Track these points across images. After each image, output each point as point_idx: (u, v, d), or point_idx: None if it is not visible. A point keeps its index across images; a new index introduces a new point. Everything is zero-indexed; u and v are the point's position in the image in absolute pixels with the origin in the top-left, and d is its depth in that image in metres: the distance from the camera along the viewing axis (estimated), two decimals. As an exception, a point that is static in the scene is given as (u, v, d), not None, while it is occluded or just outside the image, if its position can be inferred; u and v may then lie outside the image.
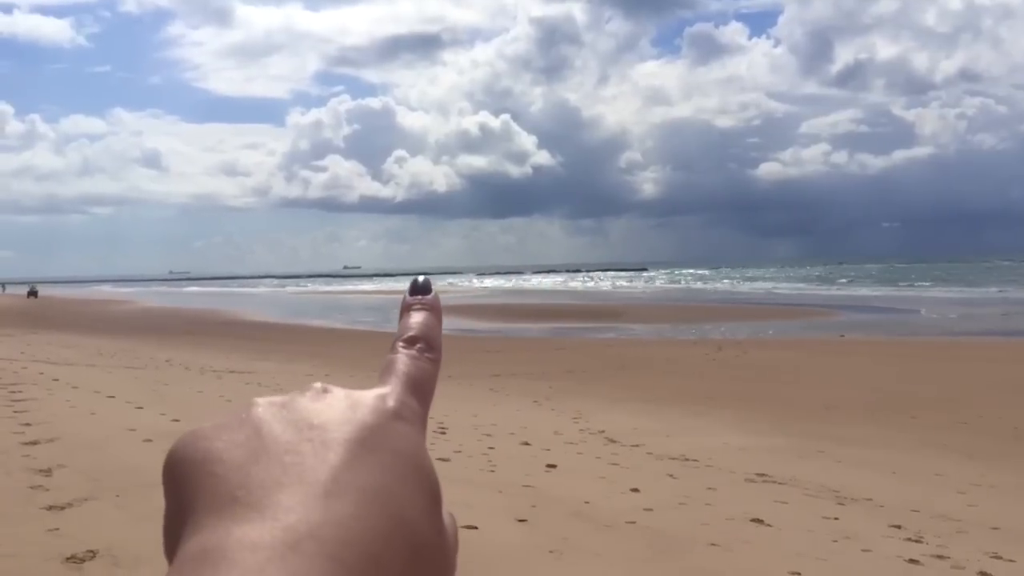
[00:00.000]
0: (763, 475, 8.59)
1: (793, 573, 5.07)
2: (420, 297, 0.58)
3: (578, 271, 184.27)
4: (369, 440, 0.44)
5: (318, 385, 0.48)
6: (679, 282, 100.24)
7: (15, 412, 9.04)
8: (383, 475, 0.42)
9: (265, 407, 0.45)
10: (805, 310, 44.00)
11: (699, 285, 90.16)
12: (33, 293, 78.06)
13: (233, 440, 0.44)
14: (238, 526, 0.38)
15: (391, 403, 0.47)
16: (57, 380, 12.85)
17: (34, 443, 7.23)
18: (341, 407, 0.45)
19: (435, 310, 0.57)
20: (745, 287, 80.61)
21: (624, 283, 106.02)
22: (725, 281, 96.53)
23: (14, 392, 10.80)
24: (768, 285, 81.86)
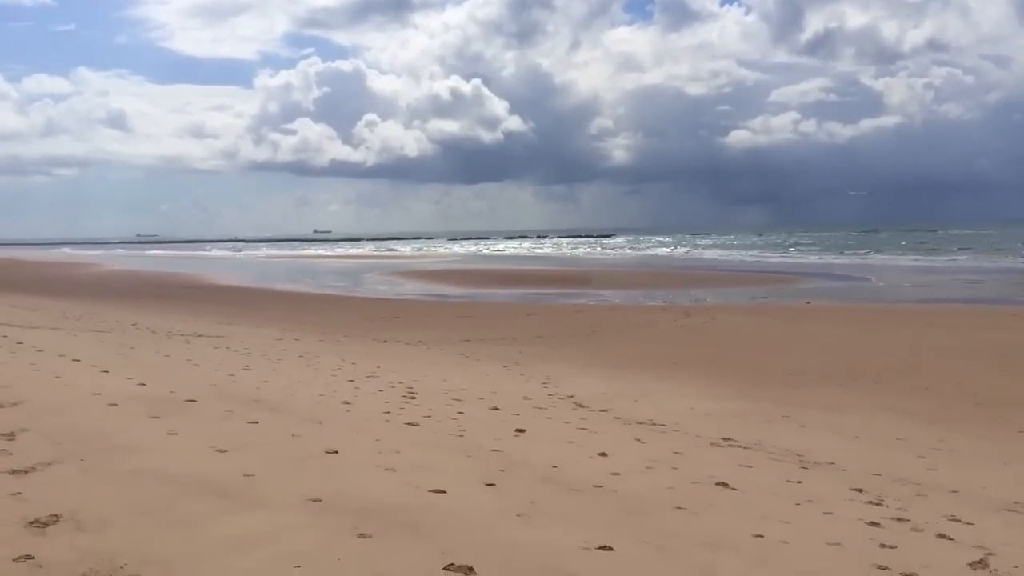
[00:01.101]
0: (728, 439, 8.70)
1: (757, 535, 5.14)
2: None
3: (547, 236, 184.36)
4: None
5: None
6: (649, 248, 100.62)
7: (-23, 376, 8.91)
8: None
9: None
10: (772, 277, 44.42)
11: (668, 251, 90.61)
12: None
13: None
14: None
15: None
16: (21, 343, 12.68)
17: (-3, 407, 7.13)
18: None
19: None
20: (714, 254, 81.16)
21: (593, 249, 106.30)
22: (695, 248, 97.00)
23: (-25, 355, 10.64)
24: (737, 252, 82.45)
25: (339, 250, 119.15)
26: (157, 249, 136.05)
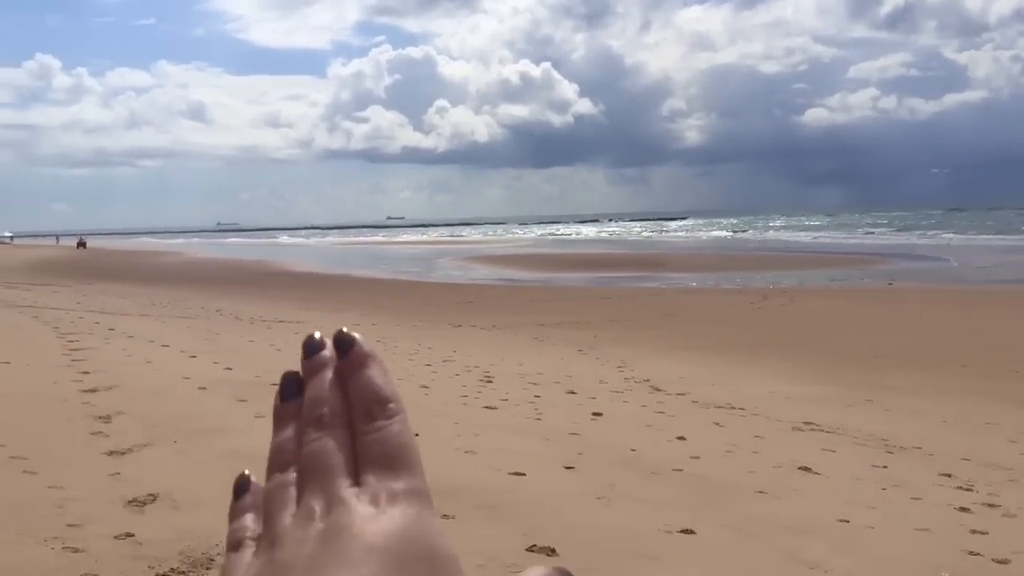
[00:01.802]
0: (810, 423, 8.56)
1: (842, 520, 5.07)
2: (347, 356, 0.49)
3: (620, 219, 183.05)
4: (350, 555, 0.41)
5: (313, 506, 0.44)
6: (722, 230, 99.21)
7: (73, 361, 9.28)
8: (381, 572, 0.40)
9: (260, 563, 0.43)
10: (852, 258, 43.39)
11: (743, 234, 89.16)
12: (82, 244, 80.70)
13: None
14: None
15: (374, 505, 0.43)
16: (113, 329, 13.15)
17: (93, 391, 7.43)
18: (323, 535, 0.43)
19: (368, 360, 0.49)
20: (789, 235, 79.55)
21: (666, 231, 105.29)
22: (769, 229, 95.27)
23: (72, 341, 11.08)
24: (814, 233, 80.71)
25: (412, 236, 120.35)
26: (236, 237, 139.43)
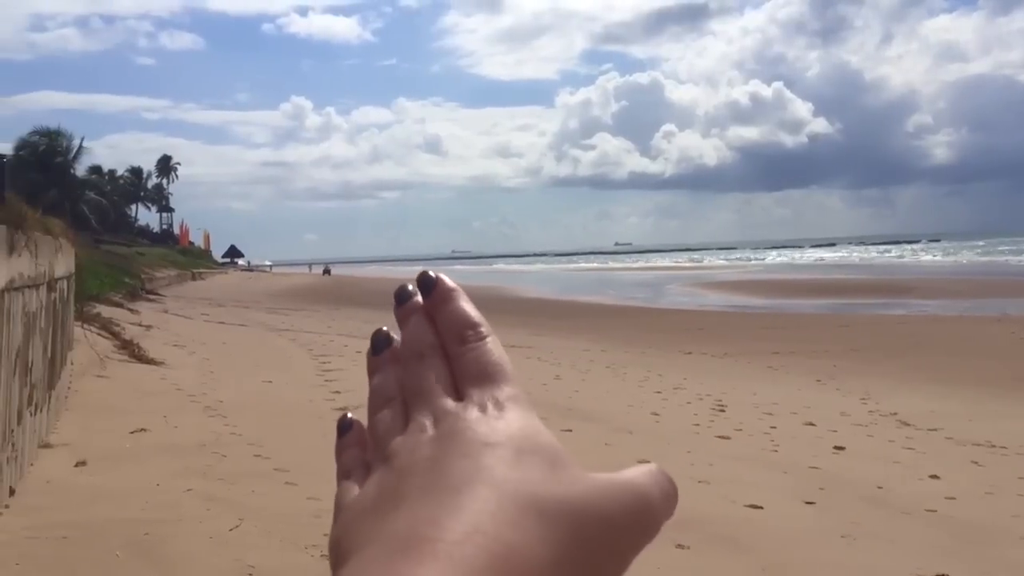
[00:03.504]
0: (1086, 466, 7.71)
1: None
2: (432, 294, 0.51)
3: (861, 243, 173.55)
4: (466, 452, 0.42)
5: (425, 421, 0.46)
6: (977, 254, 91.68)
7: (326, 381, 10.01)
8: (486, 471, 0.41)
9: (376, 477, 0.45)
10: None
11: (1002, 257, 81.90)
12: (327, 271, 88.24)
13: (352, 512, 0.45)
14: (398, 553, 0.39)
15: (481, 411, 0.45)
16: (360, 352, 14.01)
17: (344, 409, 7.95)
18: (436, 440, 0.44)
19: (453, 294, 0.50)
20: (1059, 258, 72.24)
21: (914, 255, 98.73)
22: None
23: (324, 362, 11.95)
24: (1087, 255, 72.85)
25: (640, 262, 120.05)
26: (469, 264, 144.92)
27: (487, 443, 0.43)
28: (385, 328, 0.53)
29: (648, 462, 0.46)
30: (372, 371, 0.52)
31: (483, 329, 0.49)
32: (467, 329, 0.49)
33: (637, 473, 0.45)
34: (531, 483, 0.41)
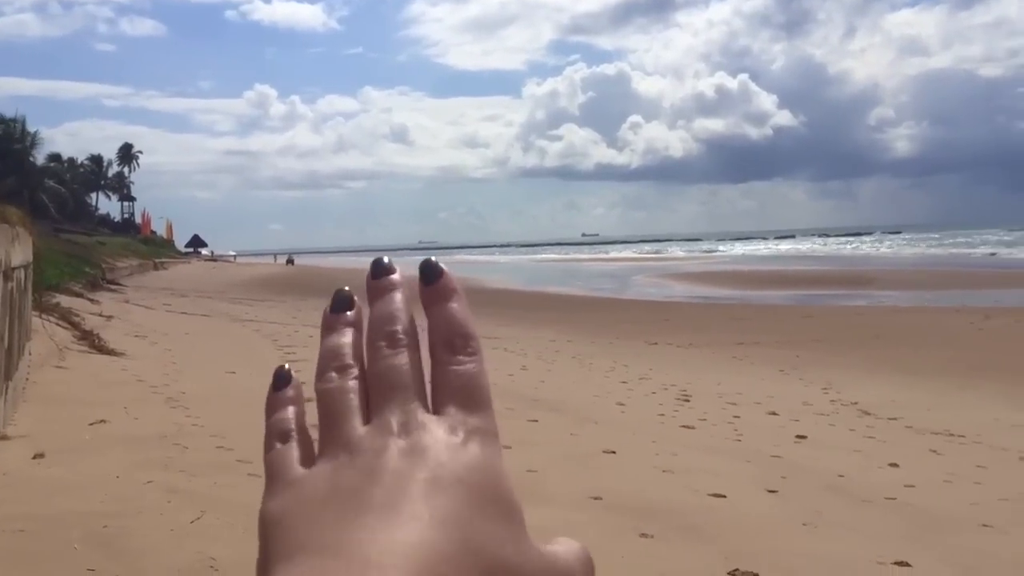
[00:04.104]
0: (1041, 454, 7.86)
1: (1081, 562, 4.63)
2: (434, 285, 0.48)
3: (824, 235, 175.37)
4: (435, 476, 0.40)
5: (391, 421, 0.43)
6: (937, 246, 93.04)
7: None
8: (449, 505, 0.39)
9: (333, 464, 0.42)
10: (1090, 275, 39.58)
11: (961, 249, 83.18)
12: (290, 261, 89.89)
13: (303, 494, 0.43)
14: (309, 570, 0.38)
15: (455, 435, 0.42)
16: (325, 343, 13.94)
17: (309, 400, 7.88)
18: (405, 451, 0.42)
19: (455, 295, 0.48)
20: (1017, 251, 73.49)
21: (875, 247, 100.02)
22: (992, 244, 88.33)
23: (289, 353, 11.85)
24: (1044, 248, 74.16)
25: (606, 253, 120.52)
26: (437, 255, 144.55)
27: (459, 478, 0.41)
28: (348, 288, 0.50)
29: (572, 542, 0.44)
30: (327, 327, 0.49)
31: (476, 344, 0.46)
32: (460, 338, 0.46)
33: (572, 558, 0.43)
34: (489, 538, 0.40)
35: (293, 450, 0.45)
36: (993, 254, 69.02)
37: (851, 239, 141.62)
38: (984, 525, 5.25)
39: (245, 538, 4.15)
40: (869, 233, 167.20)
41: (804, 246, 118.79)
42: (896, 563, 4.34)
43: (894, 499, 5.77)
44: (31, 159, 61.49)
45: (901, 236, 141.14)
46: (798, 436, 8.16)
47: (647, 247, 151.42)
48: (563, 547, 0.43)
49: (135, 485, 4.83)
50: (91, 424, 6.25)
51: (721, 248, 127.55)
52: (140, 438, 5.98)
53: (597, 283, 48.21)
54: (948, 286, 36.06)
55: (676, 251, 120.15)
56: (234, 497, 4.76)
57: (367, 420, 0.44)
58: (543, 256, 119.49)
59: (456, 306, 0.47)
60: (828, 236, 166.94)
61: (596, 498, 5.16)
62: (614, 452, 6.56)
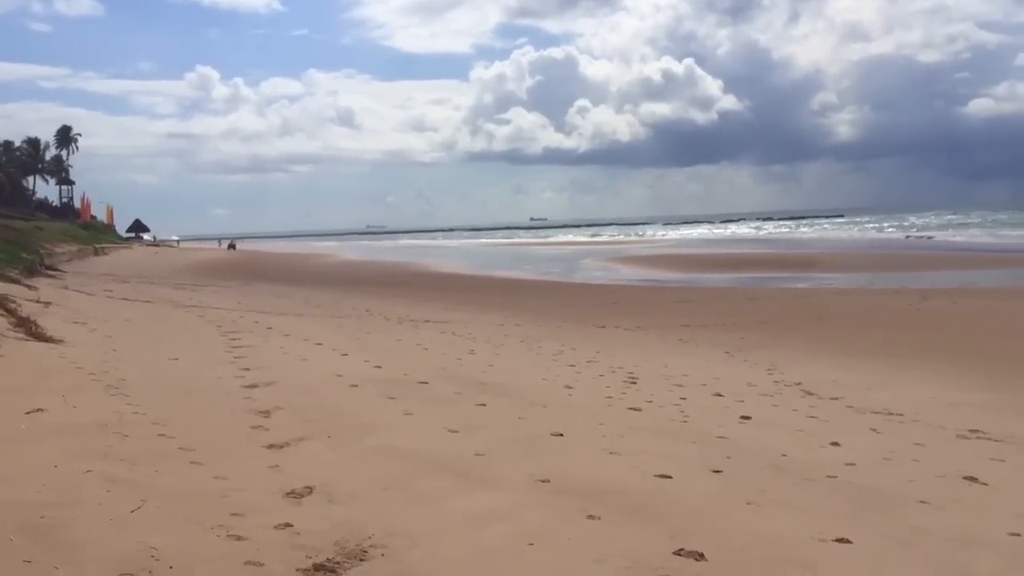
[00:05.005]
0: (976, 431, 8.08)
1: (1013, 534, 4.75)
2: None
3: (769, 219, 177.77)
4: None
5: None
6: (877, 229, 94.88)
7: (236, 358, 9.78)
8: None
9: None
10: (1021, 257, 40.73)
11: (901, 232, 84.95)
12: (232, 247, 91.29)
13: None
14: None
15: None
16: (271, 328, 13.78)
17: (254, 386, 7.79)
18: None
19: None
20: (953, 233, 75.30)
21: (818, 231, 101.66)
22: (929, 227, 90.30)
23: (234, 339, 11.67)
24: (979, 231, 76.08)
25: (555, 237, 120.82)
26: (385, 239, 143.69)
27: None
28: None
29: None
30: None
31: None
32: None
33: None
34: None
35: None
36: (931, 237, 70.56)
37: (796, 222, 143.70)
38: (922, 502, 5.37)
39: (187, 527, 4.08)
40: (813, 216, 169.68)
41: (749, 229, 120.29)
42: (837, 540, 4.42)
43: (835, 477, 5.87)
44: (-36, 142, 59.60)
45: (843, 219, 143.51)
46: (743, 417, 8.28)
47: (595, 230, 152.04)
48: None
49: (73, 475, 4.72)
50: (27, 413, 6.09)
51: (668, 231, 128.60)
52: (78, 427, 5.84)
53: (545, 267, 48.34)
54: (888, 268, 36.85)
55: (623, 235, 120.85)
56: (175, 486, 4.68)
57: None
58: (491, 240, 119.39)
59: None
60: (772, 219, 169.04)
61: (544, 481, 5.18)
62: (562, 435, 6.58)
